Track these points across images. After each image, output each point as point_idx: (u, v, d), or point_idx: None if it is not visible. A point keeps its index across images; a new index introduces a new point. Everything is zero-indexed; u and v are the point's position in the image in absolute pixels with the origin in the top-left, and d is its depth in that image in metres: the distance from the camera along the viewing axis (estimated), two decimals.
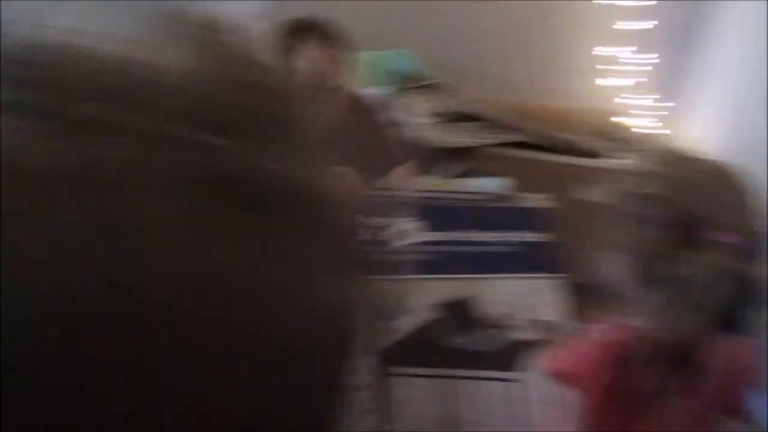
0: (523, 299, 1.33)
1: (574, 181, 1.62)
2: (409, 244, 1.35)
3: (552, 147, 1.66)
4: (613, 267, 0.81)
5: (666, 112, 2.46)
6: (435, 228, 1.39)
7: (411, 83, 2.07)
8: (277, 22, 1.52)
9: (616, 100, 2.51)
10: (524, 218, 1.46)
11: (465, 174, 1.69)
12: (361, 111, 1.52)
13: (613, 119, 2.48)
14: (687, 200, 0.76)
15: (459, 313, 1.28)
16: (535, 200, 1.51)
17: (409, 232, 1.38)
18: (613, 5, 2.42)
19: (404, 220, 1.39)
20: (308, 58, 1.44)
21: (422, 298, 1.28)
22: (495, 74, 2.54)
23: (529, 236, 1.43)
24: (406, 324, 1.24)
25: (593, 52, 2.48)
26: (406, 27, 2.49)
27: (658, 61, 2.43)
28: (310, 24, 1.52)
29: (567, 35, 2.52)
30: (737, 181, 0.79)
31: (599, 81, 2.49)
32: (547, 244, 1.42)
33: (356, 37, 2.40)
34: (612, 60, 2.45)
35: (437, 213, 1.43)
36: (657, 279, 0.76)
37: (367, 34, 2.42)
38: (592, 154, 1.77)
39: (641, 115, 2.48)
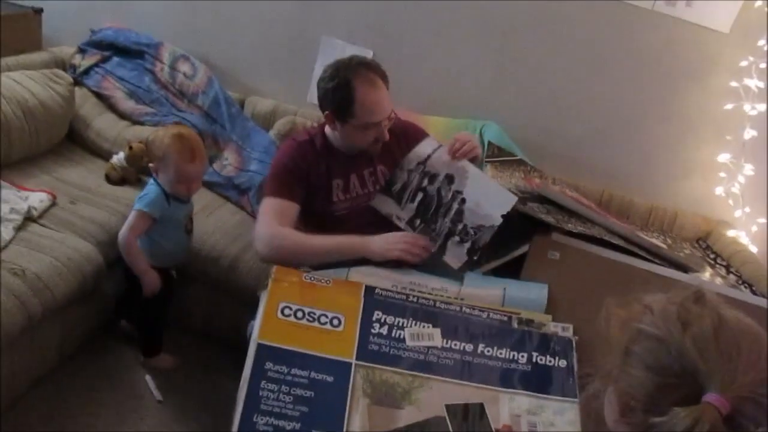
0: (530, 416, 1.40)
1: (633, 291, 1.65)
2: (423, 346, 1.47)
3: (623, 246, 1.67)
4: (606, 402, 0.79)
5: (756, 228, 2.39)
6: (447, 336, 1.49)
7: (494, 154, 2.15)
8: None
9: (713, 209, 2.47)
10: (541, 343, 1.52)
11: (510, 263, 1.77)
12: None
13: (710, 230, 2.44)
14: (693, 353, 0.71)
15: (464, 417, 1.38)
16: (557, 328, 1.57)
17: (422, 335, 1.51)
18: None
19: (419, 323, 1.51)
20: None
21: (430, 397, 1.39)
22: (579, 158, 2.59)
23: (543, 360, 1.49)
24: (409, 416, 1.35)
25: (695, 155, 2.45)
26: (496, 98, 2.59)
27: (753, 173, 2.36)
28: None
29: (670, 133, 2.49)
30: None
31: (699, 185, 2.46)
32: (562, 369, 1.47)
33: (448, 103, 2.58)
34: (715, 166, 2.40)
35: (452, 323, 1.52)
36: (636, 425, 0.73)
37: (453, 100, 2.60)
38: (678, 265, 1.76)
39: (734, 227, 2.41)
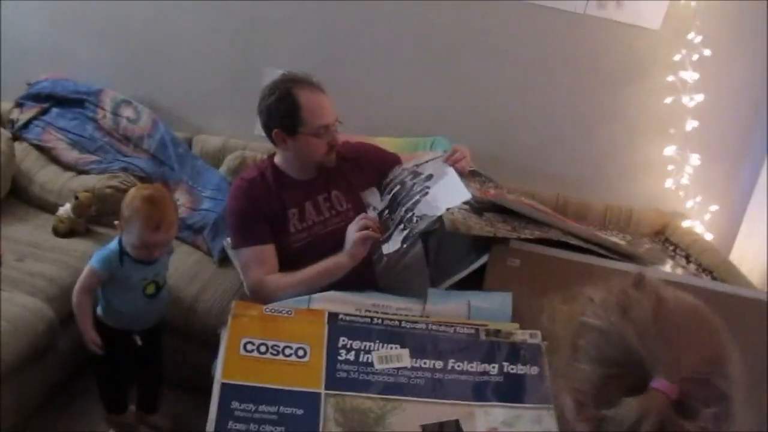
0: (507, 428, 1.39)
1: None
2: (392, 368, 1.45)
3: (583, 246, 1.68)
4: (563, 401, 0.75)
5: (709, 216, 2.44)
6: (416, 355, 1.48)
7: None
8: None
9: (666, 202, 2.52)
10: (511, 352, 1.52)
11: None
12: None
13: (666, 223, 2.48)
14: (635, 340, 0.69)
15: None
16: (525, 335, 1.56)
17: (391, 357, 1.49)
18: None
19: (386, 345, 1.49)
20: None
21: (404, 419, 1.37)
22: (531, 166, 2.63)
23: (514, 369, 1.49)
24: None
25: (643, 152, 2.51)
26: (443, 114, 2.62)
27: (699, 163, 2.42)
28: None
29: (615, 131, 2.55)
30: (711, 328, 0.72)
31: (650, 181, 2.52)
32: (534, 376, 1.48)
33: (397, 123, 2.59)
34: (663, 160, 2.46)
35: (419, 341, 1.51)
36: (591, 420, 0.70)
37: (402, 120, 2.62)
38: (638, 259, 1.78)
39: (689, 217, 2.47)
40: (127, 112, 2.67)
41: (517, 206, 1.84)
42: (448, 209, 1.60)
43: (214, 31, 2.70)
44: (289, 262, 1.73)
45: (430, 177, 1.78)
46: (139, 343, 1.83)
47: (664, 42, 2.35)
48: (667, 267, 1.92)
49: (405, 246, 1.63)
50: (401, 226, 1.67)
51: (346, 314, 1.55)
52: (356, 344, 1.50)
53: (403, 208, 1.71)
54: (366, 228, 1.67)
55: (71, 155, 2.53)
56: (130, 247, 1.74)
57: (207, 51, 2.73)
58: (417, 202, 1.69)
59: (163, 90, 2.80)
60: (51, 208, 2.38)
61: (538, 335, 1.58)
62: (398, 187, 1.81)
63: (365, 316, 1.57)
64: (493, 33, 2.51)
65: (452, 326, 1.57)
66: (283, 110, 1.72)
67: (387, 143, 2.47)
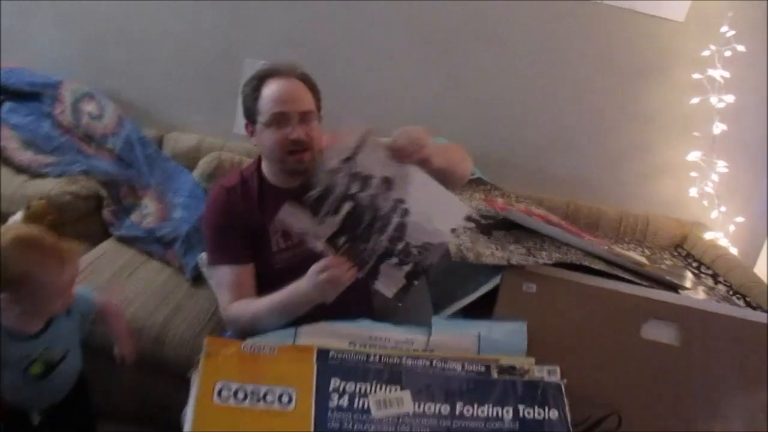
0: None
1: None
2: (392, 415, 1.31)
3: (605, 270, 1.54)
4: None
5: (734, 228, 2.32)
6: (419, 398, 1.34)
7: None
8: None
9: (686, 210, 2.41)
10: (527, 393, 1.39)
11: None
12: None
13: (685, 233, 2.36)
14: None
15: None
16: (542, 372, 1.44)
17: (390, 401, 1.35)
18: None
19: (385, 387, 1.35)
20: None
21: None
22: (539, 170, 2.50)
23: (531, 413, 1.36)
24: None
25: (663, 156, 2.39)
26: (443, 113, 2.48)
27: (726, 170, 2.30)
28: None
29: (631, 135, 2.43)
30: None
31: (669, 187, 2.40)
32: (554, 421, 1.35)
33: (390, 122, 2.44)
34: (686, 165, 2.34)
35: (423, 382, 1.37)
36: None
37: (397, 119, 2.46)
38: (665, 284, 1.64)
39: (711, 229, 2.34)
40: (90, 107, 2.51)
41: (531, 222, 1.70)
42: (453, 230, 1.43)
43: (189, 17, 2.56)
44: (269, 284, 1.57)
45: (390, 183, 1.43)
46: (36, 422, 1.54)
47: (691, 35, 2.22)
48: (699, 292, 1.78)
49: (416, 283, 1.46)
50: (393, 260, 1.44)
51: (339, 350, 1.41)
52: (350, 386, 1.35)
53: (383, 237, 1.43)
54: (336, 279, 1.41)
55: (24, 156, 2.35)
56: (8, 316, 1.42)
57: (181, 39, 2.58)
58: (401, 227, 1.43)
59: (131, 82, 2.65)
60: (2, 218, 2.19)
61: (557, 372, 1.46)
62: (348, 204, 1.43)
63: (360, 352, 1.42)
64: (498, 23, 2.37)
65: (460, 362, 1.44)
66: (248, 101, 1.59)
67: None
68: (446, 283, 1.74)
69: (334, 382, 1.35)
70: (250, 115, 1.60)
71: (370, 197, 1.42)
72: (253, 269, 1.61)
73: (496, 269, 1.57)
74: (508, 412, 1.37)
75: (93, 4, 2.59)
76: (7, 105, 2.47)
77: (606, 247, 1.80)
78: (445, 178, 1.48)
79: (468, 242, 1.62)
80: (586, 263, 1.54)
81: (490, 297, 1.62)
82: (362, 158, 1.41)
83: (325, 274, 1.39)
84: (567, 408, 1.41)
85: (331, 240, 1.42)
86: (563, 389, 1.42)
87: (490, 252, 1.55)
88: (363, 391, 1.35)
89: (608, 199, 2.49)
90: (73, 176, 2.29)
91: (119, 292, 1.93)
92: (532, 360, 1.47)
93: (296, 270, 1.46)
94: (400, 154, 1.40)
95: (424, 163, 1.42)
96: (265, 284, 1.59)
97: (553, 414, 1.39)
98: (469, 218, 1.59)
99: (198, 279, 2.06)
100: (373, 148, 1.41)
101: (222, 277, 1.61)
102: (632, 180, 2.49)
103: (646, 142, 2.42)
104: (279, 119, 1.54)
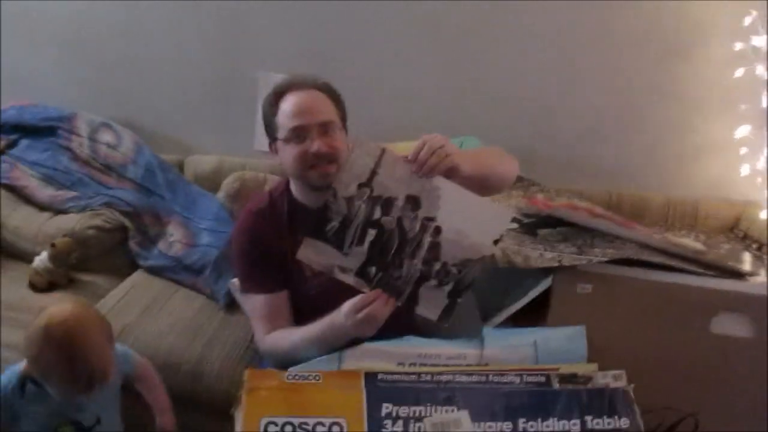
0: None
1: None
2: None
3: (664, 262, 1.45)
4: None
5: None
6: (478, 418, 1.27)
7: None
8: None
9: (736, 190, 2.29)
10: (593, 402, 1.32)
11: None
12: None
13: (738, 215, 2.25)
14: None
15: None
16: (607, 378, 1.35)
17: (448, 423, 1.27)
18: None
19: (440, 408, 1.29)
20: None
21: None
22: (576, 160, 2.41)
23: (600, 424, 1.29)
24: None
25: (708, 134, 2.28)
26: (467, 109, 2.41)
27: None
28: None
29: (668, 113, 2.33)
30: None
31: (717, 167, 2.29)
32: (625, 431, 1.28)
33: (413, 125, 2.38)
34: (734, 142, 2.23)
35: (480, 399, 1.31)
36: None
37: (419, 121, 2.35)
38: (729, 272, 1.54)
39: (762, 207, 2.22)
40: (107, 136, 2.48)
41: (577, 218, 1.63)
42: (496, 242, 1.35)
43: (194, 36, 2.52)
44: (305, 310, 1.50)
45: (417, 202, 1.33)
46: None
47: (728, 4, 2.10)
48: (761, 273, 1.68)
49: (460, 301, 1.38)
50: (432, 282, 1.35)
51: (387, 372, 1.35)
52: (403, 411, 1.29)
53: (416, 261, 1.34)
54: (375, 317, 1.33)
55: (45, 193, 2.34)
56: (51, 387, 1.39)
57: (188, 59, 2.54)
58: (435, 247, 1.34)
59: (144, 109, 2.62)
60: (28, 257, 2.17)
61: (623, 377, 1.38)
62: (372, 232, 1.34)
63: (410, 373, 1.36)
64: (516, 12, 2.28)
65: (518, 375, 1.37)
66: (267, 118, 1.52)
67: (405, 150, 2.26)
68: (491, 290, 1.66)
69: (386, 408, 1.29)
70: (271, 132, 1.53)
71: (395, 220, 1.33)
72: (288, 296, 1.54)
73: (545, 271, 1.50)
74: (575, 425, 1.30)
75: (96, 34, 2.57)
76: (23, 143, 2.46)
77: (659, 237, 1.71)
78: (481, 185, 1.39)
79: (513, 245, 1.54)
80: (644, 257, 1.45)
81: (539, 302, 1.55)
82: (380, 179, 1.32)
83: (362, 313, 1.32)
84: (638, 415, 1.33)
85: (361, 272, 1.35)
86: (632, 395, 1.34)
87: (539, 254, 1.48)
88: (417, 414, 1.29)
89: (652, 186, 2.36)
90: (96, 209, 2.27)
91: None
92: (595, 366, 1.40)
93: (333, 295, 1.39)
94: (424, 168, 1.31)
95: (453, 173, 1.33)
96: (301, 310, 1.53)
97: (624, 423, 1.32)
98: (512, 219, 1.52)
99: (231, 305, 2.00)
100: (392, 166, 1.32)
101: (255, 306, 1.55)
102: (676, 163, 2.36)
103: (687, 122, 2.30)
104: (298, 133, 1.46)
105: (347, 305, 1.34)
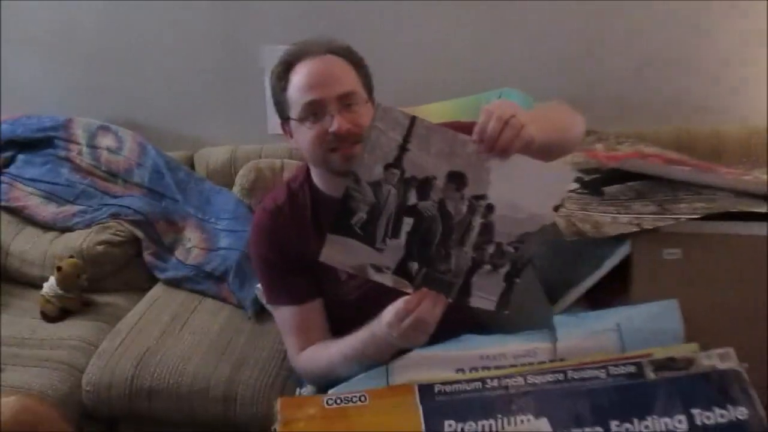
0: None
1: None
2: None
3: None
4: None
5: None
6: (560, 425, 1.09)
7: None
8: None
9: None
10: (699, 391, 1.11)
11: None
12: None
13: None
14: None
15: None
16: (712, 359, 1.15)
17: None
18: None
19: (514, 419, 1.10)
20: None
21: None
22: (633, 100, 2.20)
23: (712, 417, 1.08)
24: None
25: None
26: (502, 56, 2.24)
27: None
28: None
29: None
30: None
31: None
32: (743, 423, 1.08)
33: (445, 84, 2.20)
34: None
35: (560, 403, 1.12)
36: None
37: (449, 78, 2.23)
38: None
39: None
40: (107, 140, 2.37)
41: (652, 168, 1.40)
42: (557, 208, 1.13)
43: (187, 18, 2.38)
44: (342, 319, 1.33)
45: (462, 180, 1.12)
46: None
47: None
48: None
49: (519, 281, 1.17)
50: (487, 267, 1.16)
51: (445, 383, 1.16)
52: (470, 427, 1.11)
53: (466, 248, 1.14)
54: (424, 324, 1.16)
55: (48, 211, 2.24)
56: None
57: (185, 43, 2.40)
58: (488, 228, 1.14)
59: (144, 105, 2.50)
60: (37, 284, 2.07)
61: (731, 355, 1.17)
62: (410, 221, 1.14)
63: (473, 380, 1.17)
64: None
65: (602, 368, 1.17)
66: (276, 94, 1.34)
67: (440, 110, 2.12)
68: (557, 265, 1.46)
69: (449, 426, 1.11)
70: (282, 111, 1.34)
71: (436, 205, 1.13)
72: (321, 304, 1.38)
73: (621, 237, 1.29)
74: (680, 422, 1.10)
75: (82, 32, 2.47)
76: (20, 159, 2.37)
77: (751, 178, 1.48)
78: (548, 153, 1.20)
79: (578, 210, 1.33)
80: (744, 208, 1.22)
81: (617, 274, 1.34)
82: (413, 157, 1.11)
83: (408, 320, 1.14)
84: (758, 401, 1.12)
85: (401, 269, 1.15)
86: (746, 377, 1.13)
87: (611, 218, 1.27)
88: (489, 429, 1.10)
89: (725, 118, 2.16)
90: (103, 223, 2.15)
91: None
92: (695, 346, 1.19)
93: (376, 298, 1.20)
94: (497, 147, 1.08)
95: (527, 148, 1.11)
96: (339, 319, 1.36)
97: (741, 413, 1.11)
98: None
99: (261, 313, 1.86)
100: (426, 138, 1.10)
101: (284, 319, 1.39)
102: (750, 88, 2.14)
103: (759, 40, 2.07)
104: (314, 110, 1.26)
105: (389, 313, 1.17)
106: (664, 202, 1.30)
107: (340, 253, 1.15)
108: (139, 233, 2.14)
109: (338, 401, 1.15)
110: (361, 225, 1.14)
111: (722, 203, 1.24)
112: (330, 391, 1.20)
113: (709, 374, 1.14)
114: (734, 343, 1.15)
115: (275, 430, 1.13)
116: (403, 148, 1.10)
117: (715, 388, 1.13)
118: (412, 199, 1.13)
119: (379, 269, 1.15)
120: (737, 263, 1.24)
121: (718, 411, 1.11)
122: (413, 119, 1.10)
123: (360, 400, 1.15)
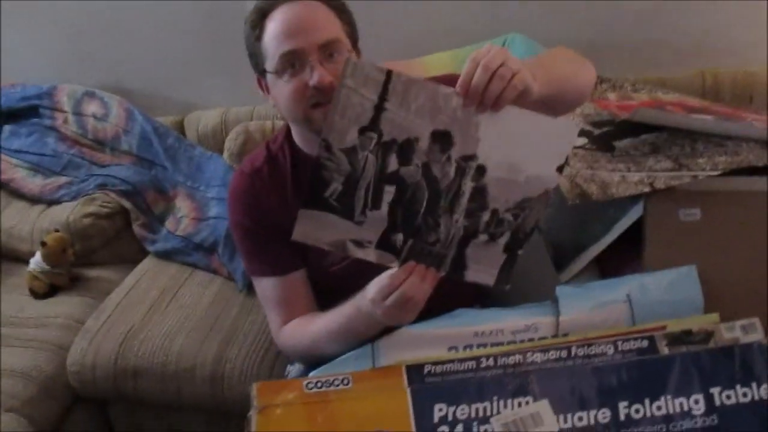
0: None
1: None
2: None
3: None
4: None
5: None
6: (563, 409, 1.01)
7: None
8: None
9: None
10: (719, 367, 1.02)
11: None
12: None
13: None
14: None
15: None
16: (735, 331, 1.05)
17: (524, 421, 1.00)
18: None
19: (512, 402, 1.02)
20: None
21: None
22: (649, 44, 2.05)
23: (733, 396, 1.00)
24: None
25: None
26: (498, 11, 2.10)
27: None
28: None
29: None
30: None
31: None
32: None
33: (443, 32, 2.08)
34: None
35: (563, 383, 1.04)
36: None
37: (451, 25, 2.09)
38: None
39: None
40: (92, 107, 2.30)
41: (669, 118, 1.27)
42: (560, 168, 1.01)
43: None
44: (328, 290, 1.26)
45: (447, 139, 1.00)
46: None
47: None
48: None
49: (521, 252, 1.07)
50: (482, 237, 1.06)
51: (436, 363, 1.09)
52: (463, 411, 1.03)
53: (456, 216, 1.04)
54: (412, 301, 1.07)
55: (34, 183, 2.19)
56: None
57: (170, 1, 2.29)
58: (481, 193, 1.03)
59: (130, 68, 2.41)
60: (27, 259, 2.02)
61: (756, 326, 1.08)
62: (390, 189, 1.04)
63: (467, 359, 1.10)
64: None
65: (611, 342, 1.09)
66: (250, 45, 1.22)
67: (439, 62, 1.99)
68: (562, 229, 1.35)
69: (439, 410, 1.04)
70: (257, 64, 1.23)
71: (420, 169, 1.02)
72: (305, 275, 1.30)
73: (633, 196, 1.18)
74: (697, 402, 1.02)
75: None
76: (5, 130, 2.31)
77: None
78: (552, 105, 1.08)
79: (584, 169, 1.22)
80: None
81: (628, 238, 1.24)
82: (391, 117, 0.99)
83: (393, 297, 1.05)
84: None
85: (384, 243, 1.05)
86: None
87: (621, 177, 1.16)
88: (482, 414, 1.03)
89: (753, 57, 1.98)
90: (90, 194, 2.09)
91: None
92: (716, 316, 1.11)
93: (361, 269, 1.11)
94: (485, 100, 0.96)
95: (522, 99, 0.99)
96: (325, 290, 1.29)
97: (765, 391, 1.01)
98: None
99: (252, 287, 1.77)
100: (404, 95, 0.98)
101: (265, 292, 1.32)
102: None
103: None
104: (291, 61, 1.15)
105: (373, 288, 1.08)
106: (680, 156, 1.18)
107: (315, 230, 1.05)
108: (127, 204, 2.07)
109: (319, 385, 1.08)
110: (337, 197, 1.03)
111: (747, 156, 1.12)
112: (311, 374, 1.14)
113: (731, 348, 1.05)
114: (759, 314, 1.07)
115: (250, 417, 1.06)
116: (379, 108, 0.98)
117: (738, 364, 1.04)
118: (393, 164, 1.02)
119: (360, 244, 1.06)
120: (763, 224, 1.13)
121: (740, 389, 1.02)
122: (389, 73, 0.97)
123: (343, 383, 1.08)
